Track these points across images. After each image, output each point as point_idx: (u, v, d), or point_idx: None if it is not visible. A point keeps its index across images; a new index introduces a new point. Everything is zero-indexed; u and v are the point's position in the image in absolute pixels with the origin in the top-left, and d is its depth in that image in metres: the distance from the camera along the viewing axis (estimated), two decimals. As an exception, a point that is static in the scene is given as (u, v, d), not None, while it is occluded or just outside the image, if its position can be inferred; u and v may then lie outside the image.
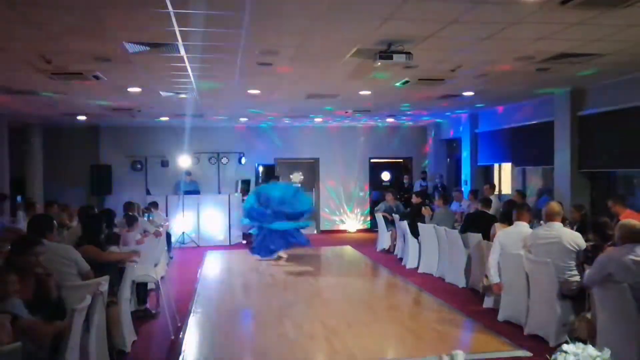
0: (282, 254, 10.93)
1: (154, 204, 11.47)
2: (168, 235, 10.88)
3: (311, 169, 16.29)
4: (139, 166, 14.80)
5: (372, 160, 16.39)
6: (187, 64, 6.97)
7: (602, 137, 8.94)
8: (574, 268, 5.54)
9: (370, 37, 5.70)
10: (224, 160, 15.26)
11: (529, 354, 5.32)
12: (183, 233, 13.19)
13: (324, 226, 15.99)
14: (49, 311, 3.96)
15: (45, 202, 11.08)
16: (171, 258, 11.08)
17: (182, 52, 6.30)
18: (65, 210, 8.75)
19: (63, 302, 4.19)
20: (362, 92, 9.52)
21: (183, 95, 9.59)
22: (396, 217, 11.40)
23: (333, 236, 15.20)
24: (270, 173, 14.74)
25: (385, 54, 5.91)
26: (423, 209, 10.28)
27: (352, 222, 16.26)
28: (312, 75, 7.94)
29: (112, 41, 5.77)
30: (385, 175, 16.66)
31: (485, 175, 13.45)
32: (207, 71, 7.55)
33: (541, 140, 10.34)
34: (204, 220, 13.50)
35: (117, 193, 14.11)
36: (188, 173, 14.29)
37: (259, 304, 7.80)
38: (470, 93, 9.83)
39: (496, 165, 13.32)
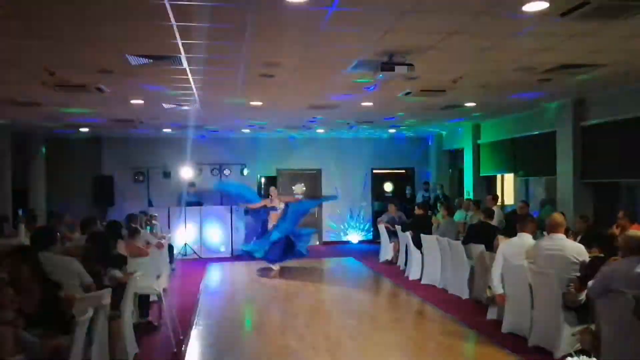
0: (275, 267, 10.86)
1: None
2: (170, 247, 10.85)
3: (313, 179, 16.28)
4: (141, 177, 14.82)
5: (374, 171, 16.40)
6: (189, 76, 7.00)
7: (605, 147, 8.93)
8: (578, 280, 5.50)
9: (372, 48, 5.73)
10: (226, 171, 15.26)
11: (533, 366, 5.30)
12: (185, 245, 13.18)
13: (326, 237, 15.95)
14: (55, 323, 3.93)
15: (48, 213, 11.07)
16: (173, 270, 11.05)
17: (185, 64, 6.33)
18: (64, 222, 8.70)
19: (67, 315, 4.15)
20: (364, 104, 9.54)
21: (185, 107, 9.63)
22: (399, 228, 11.38)
23: (335, 247, 15.17)
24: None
25: (387, 66, 5.92)
26: (433, 218, 10.26)
27: (355, 233, 16.24)
28: (314, 86, 7.97)
29: (114, 54, 5.81)
30: (388, 186, 16.64)
31: (487, 186, 13.43)
32: (209, 83, 7.58)
33: (544, 150, 10.34)
34: (206, 232, 13.49)
35: (120, 204, 14.13)
36: (192, 184, 14.31)
37: (261, 316, 7.77)
38: (472, 104, 9.85)
39: (498, 176, 13.31)
